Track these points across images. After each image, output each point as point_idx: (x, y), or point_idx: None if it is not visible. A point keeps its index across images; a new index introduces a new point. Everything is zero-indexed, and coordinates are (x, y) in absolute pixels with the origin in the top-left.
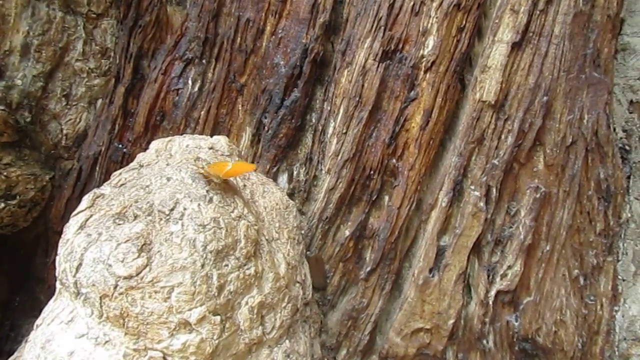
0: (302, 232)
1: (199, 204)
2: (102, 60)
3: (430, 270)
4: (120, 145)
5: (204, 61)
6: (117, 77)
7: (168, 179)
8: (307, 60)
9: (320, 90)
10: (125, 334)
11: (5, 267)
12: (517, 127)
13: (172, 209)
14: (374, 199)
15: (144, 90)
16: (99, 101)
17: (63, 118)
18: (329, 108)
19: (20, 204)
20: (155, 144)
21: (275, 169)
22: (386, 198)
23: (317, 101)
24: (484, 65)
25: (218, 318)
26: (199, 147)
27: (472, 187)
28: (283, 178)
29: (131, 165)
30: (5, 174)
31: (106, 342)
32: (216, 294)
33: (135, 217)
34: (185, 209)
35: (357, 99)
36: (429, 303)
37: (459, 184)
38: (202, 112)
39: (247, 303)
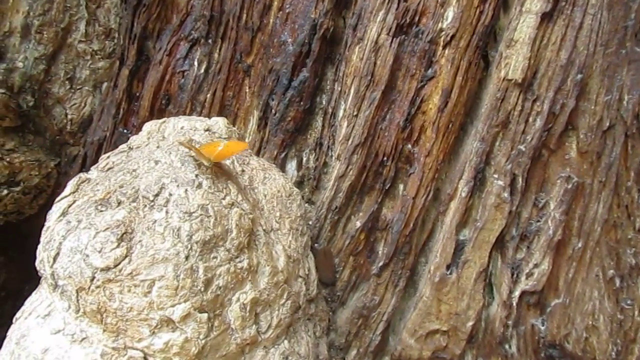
0: (310, 222)
1: (186, 190)
2: (106, 42)
3: (448, 267)
4: (125, 131)
5: (210, 41)
6: (121, 59)
7: (156, 162)
8: (316, 37)
9: (330, 70)
10: (104, 330)
11: (15, 256)
12: (546, 108)
13: (156, 195)
14: (387, 187)
15: (149, 72)
16: (105, 85)
17: (67, 102)
18: (339, 89)
19: (25, 191)
20: (147, 126)
21: (283, 154)
22: (400, 187)
23: (328, 82)
24: (510, 39)
25: (205, 316)
26: (194, 129)
27: (496, 176)
28: (292, 165)
29: (120, 147)
30: (8, 159)
31: (83, 339)
32: (202, 289)
33: (119, 203)
34: (170, 194)
35: (369, 78)
36: (446, 303)
37: (480, 172)
38: (208, 95)
39: (238, 299)
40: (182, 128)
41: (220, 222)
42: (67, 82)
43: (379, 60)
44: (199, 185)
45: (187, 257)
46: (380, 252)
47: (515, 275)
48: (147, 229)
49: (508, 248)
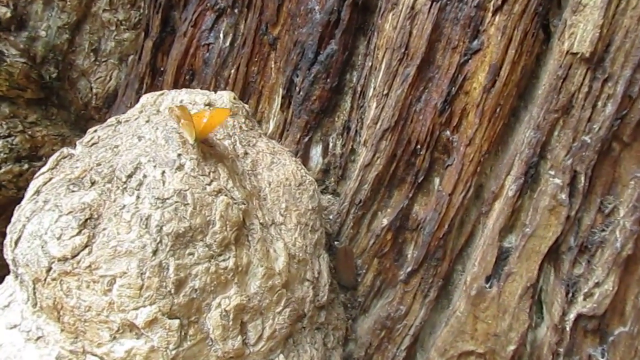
0: (331, 217)
1: (163, 171)
2: (132, 11)
3: (488, 279)
4: None
5: (236, 11)
6: (146, 30)
7: (139, 139)
8: (346, 4)
9: (362, 43)
10: (62, 330)
11: None
12: (621, 90)
13: (129, 176)
14: (420, 180)
15: (173, 45)
16: (130, 58)
17: (92, 75)
18: (370, 64)
19: None
20: (143, 98)
21: (306, 139)
22: (436, 180)
23: (359, 56)
24: (577, 2)
25: (176, 322)
26: (194, 103)
27: (552, 173)
28: (317, 150)
29: (109, 121)
30: (29, 133)
31: (39, 338)
32: (172, 291)
33: (93, 183)
34: (145, 176)
35: (403, 50)
36: (483, 321)
37: (533, 168)
38: (232, 71)
39: (219, 305)
40: (181, 101)
41: (200, 212)
42: (91, 53)
43: (415, 29)
44: (180, 167)
45: (154, 252)
46: (409, 256)
47: (570, 294)
48: (114, 215)
49: (563, 261)
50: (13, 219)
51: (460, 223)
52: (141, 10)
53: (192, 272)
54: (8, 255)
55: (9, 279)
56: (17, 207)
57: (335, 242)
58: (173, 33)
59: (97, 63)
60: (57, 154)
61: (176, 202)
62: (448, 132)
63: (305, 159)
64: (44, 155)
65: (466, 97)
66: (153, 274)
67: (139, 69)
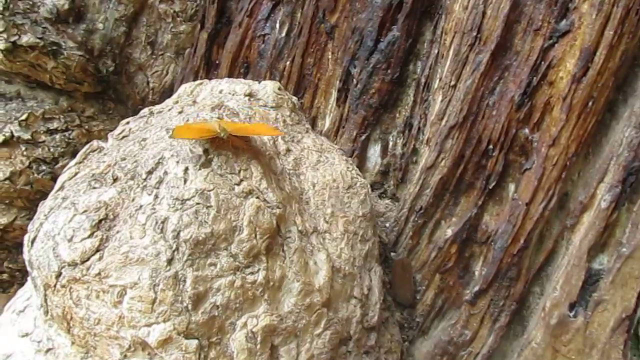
0: (388, 224)
1: (186, 168)
2: (188, 3)
3: (573, 306)
4: None
5: None
6: (202, 21)
7: (167, 131)
8: None
9: (428, 29)
10: (72, 343)
11: None
12: None
13: (149, 172)
14: (491, 186)
15: (229, 37)
16: (187, 51)
17: (149, 69)
18: (436, 51)
19: None
20: (181, 88)
21: (364, 136)
22: (511, 187)
23: (425, 44)
24: None
25: (194, 343)
26: (233, 93)
27: None
28: (375, 150)
29: (142, 112)
30: (86, 127)
31: (49, 350)
32: (189, 307)
33: (115, 179)
34: (166, 173)
35: (475, 34)
36: (565, 355)
37: (634, 174)
38: (287, 63)
39: (245, 325)
40: (220, 91)
41: (225, 215)
42: (148, 47)
43: (489, 8)
44: (206, 164)
45: (169, 261)
46: (476, 273)
47: None
48: (130, 216)
49: None
50: (35, 215)
51: (539, 238)
52: (197, 1)
53: (213, 285)
54: (25, 255)
55: (29, 281)
56: (41, 203)
57: (392, 254)
58: (229, 24)
59: (154, 57)
60: (86, 146)
61: (197, 203)
62: (527, 130)
63: (362, 159)
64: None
65: (550, 88)
66: (167, 286)
67: (193, 63)
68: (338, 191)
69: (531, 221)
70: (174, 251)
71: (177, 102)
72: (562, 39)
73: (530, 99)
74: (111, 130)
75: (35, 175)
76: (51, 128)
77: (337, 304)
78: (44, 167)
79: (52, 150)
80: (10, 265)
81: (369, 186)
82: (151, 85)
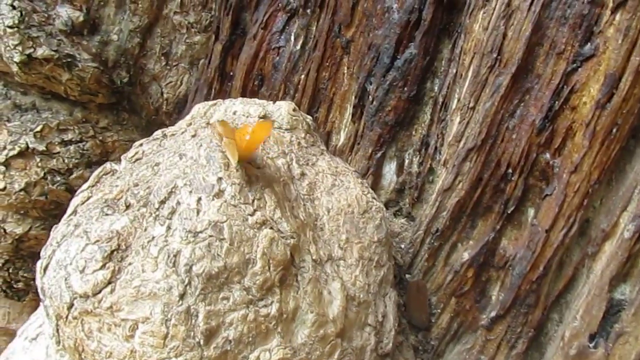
0: (403, 245)
1: (199, 199)
2: (202, 14)
3: (593, 337)
4: None
5: (308, 11)
6: (216, 33)
7: (181, 157)
8: (429, 1)
9: (447, 46)
10: None
11: None
12: None
13: (162, 202)
14: (510, 211)
15: (243, 48)
16: (201, 62)
17: (163, 80)
18: (455, 70)
19: None
20: (195, 109)
21: (379, 154)
22: (530, 212)
23: (442, 62)
24: None
25: None
26: (247, 115)
27: None
28: (390, 167)
29: (155, 134)
30: (100, 138)
31: None
32: (202, 342)
33: (127, 206)
34: (179, 203)
35: (495, 55)
36: None
37: None
38: (302, 76)
39: (258, 359)
40: (234, 113)
41: (238, 248)
42: (162, 57)
43: (510, 30)
44: (219, 194)
45: (182, 296)
46: (493, 298)
47: None
48: (142, 247)
49: None
50: (48, 241)
51: (558, 264)
52: (212, 12)
53: (225, 320)
54: (37, 282)
55: (42, 308)
56: (53, 227)
57: (407, 275)
58: (243, 36)
59: (168, 67)
60: (99, 169)
61: (210, 236)
62: (548, 155)
63: (377, 177)
64: (115, 160)
65: (573, 113)
66: (179, 321)
67: (208, 74)
68: (353, 216)
69: (551, 248)
70: (186, 286)
71: (190, 124)
72: (586, 63)
73: (551, 124)
74: (125, 141)
75: (50, 186)
76: (66, 139)
77: (351, 333)
78: (58, 178)
79: (66, 161)
80: (25, 275)
81: (384, 210)
82: (165, 95)
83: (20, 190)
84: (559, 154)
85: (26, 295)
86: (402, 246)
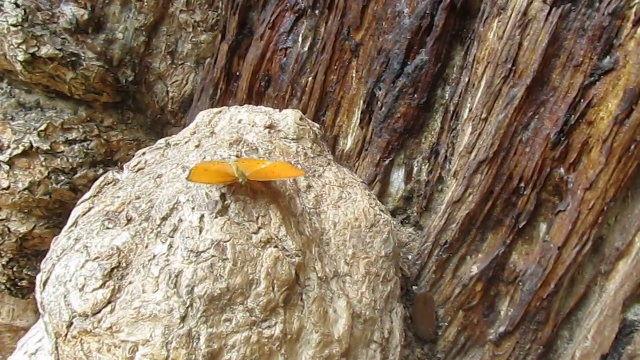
0: (410, 257)
1: (201, 216)
2: (209, 13)
3: (604, 358)
4: None
5: (317, 12)
6: (223, 32)
7: (184, 170)
8: (442, 7)
9: (459, 53)
10: None
11: None
12: None
13: (164, 219)
14: (521, 225)
15: (250, 49)
16: (207, 61)
17: (169, 79)
18: (467, 79)
19: None
20: (200, 116)
21: (387, 161)
22: (542, 227)
23: (454, 69)
24: None
25: None
26: (253, 125)
27: None
28: (398, 175)
29: (158, 143)
30: (105, 137)
31: None
32: None
33: (129, 220)
34: (181, 220)
35: (510, 66)
36: None
37: None
38: (310, 79)
39: None
40: (240, 122)
41: (241, 269)
42: (168, 56)
43: (526, 40)
44: (222, 211)
45: (183, 318)
46: (502, 313)
47: None
48: (143, 266)
49: None
50: (48, 254)
51: (570, 282)
52: (219, 11)
53: (228, 342)
54: (37, 296)
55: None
56: (54, 239)
57: (414, 287)
58: (251, 36)
59: (174, 66)
60: (101, 179)
61: (213, 256)
62: (562, 170)
63: (385, 184)
64: (120, 161)
65: (589, 128)
66: (180, 344)
67: (214, 74)
68: (360, 230)
69: (563, 266)
70: (187, 308)
71: (194, 132)
72: (604, 77)
73: (567, 138)
74: (130, 141)
75: (54, 185)
76: (70, 138)
77: (356, 352)
78: (62, 178)
79: (71, 160)
80: (29, 273)
81: (392, 223)
82: (171, 95)
83: (25, 189)
84: (574, 169)
85: (30, 293)
86: (410, 257)
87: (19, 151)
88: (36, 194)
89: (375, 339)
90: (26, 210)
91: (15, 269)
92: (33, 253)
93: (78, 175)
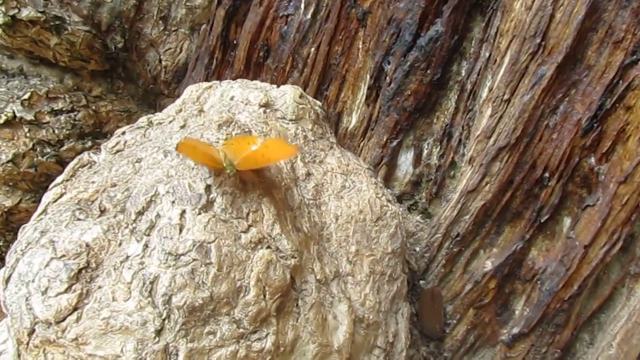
0: (418, 248)
1: (182, 211)
2: None
3: None
4: None
5: None
6: None
7: (165, 154)
8: None
9: (478, 24)
10: None
11: None
12: None
13: (140, 213)
14: (543, 219)
15: (248, 15)
16: (203, 28)
17: (161, 46)
18: (487, 54)
19: None
20: (187, 92)
21: (395, 142)
22: (566, 222)
23: (473, 42)
24: None
25: None
26: (246, 102)
27: None
28: (407, 157)
29: (140, 121)
30: (94, 107)
31: None
32: None
33: (102, 211)
34: (159, 216)
35: (539, 41)
36: None
37: None
38: (312, 49)
39: None
40: (231, 99)
41: (227, 274)
42: (160, 22)
43: (559, 12)
44: (207, 206)
45: (159, 332)
46: (517, 312)
47: None
48: (114, 268)
49: None
50: (13, 245)
51: (595, 283)
52: None
53: (211, 358)
54: (0, 294)
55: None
56: (21, 227)
57: (421, 281)
58: (249, 1)
59: (167, 32)
60: (75, 160)
61: (194, 260)
62: (593, 160)
63: (391, 167)
64: (109, 132)
65: (627, 114)
66: None
67: (209, 41)
68: (365, 224)
69: (588, 266)
70: (164, 320)
71: (180, 110)
72: None
73: (600, 124)
74: (120, 112)
75: (40, 157)
76: (56, 108)
77: (357, 359)
78: (48, 150)
79: (56, 132)
80: None
81: (400, 215)
82: (164, 63)
83: (8, 161)
84: (606, 159)
85: None
86: (417, 249)
87: (1, 121)
88: (20, 166)
89: (379, 344)
90: (10, 183)
91: (1, 244)
92: (19, 227)
93: (65, 147)
